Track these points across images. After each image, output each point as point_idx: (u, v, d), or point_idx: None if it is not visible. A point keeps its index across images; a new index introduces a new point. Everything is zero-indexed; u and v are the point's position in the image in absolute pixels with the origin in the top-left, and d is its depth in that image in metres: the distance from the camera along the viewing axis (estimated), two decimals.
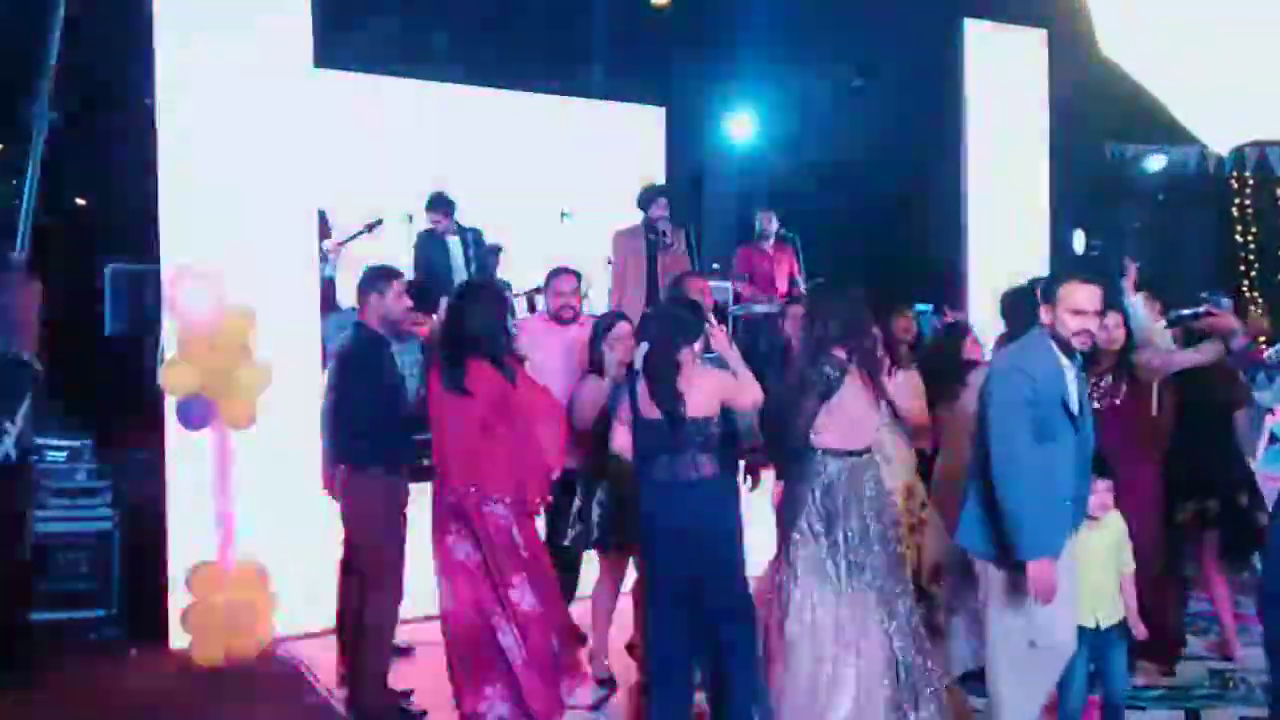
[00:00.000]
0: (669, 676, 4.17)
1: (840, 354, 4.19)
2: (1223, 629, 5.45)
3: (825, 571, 4.17)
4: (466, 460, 4.36)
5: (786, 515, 4.33)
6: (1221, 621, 5.45)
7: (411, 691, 4.88)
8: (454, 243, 7.64)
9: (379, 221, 7.67)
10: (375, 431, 4.63)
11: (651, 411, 4.12)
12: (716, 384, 4.19)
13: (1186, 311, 5.28)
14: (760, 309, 8.00)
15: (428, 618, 5.68)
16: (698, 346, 4.22)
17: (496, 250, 8.29)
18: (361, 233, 7.57)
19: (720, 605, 4.13)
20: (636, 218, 7.64)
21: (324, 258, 7.06)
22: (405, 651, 5.43)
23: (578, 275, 5.48)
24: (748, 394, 4.22)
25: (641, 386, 4.16)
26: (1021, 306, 5.47)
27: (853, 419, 4.22)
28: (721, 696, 4.18)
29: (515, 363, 4.51)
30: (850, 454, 4.22)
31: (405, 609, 5.17)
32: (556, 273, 5.40)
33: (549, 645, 4.34)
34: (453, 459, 4.40)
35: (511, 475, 4.36)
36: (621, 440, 4.23)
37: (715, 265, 8.99)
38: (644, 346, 4.34)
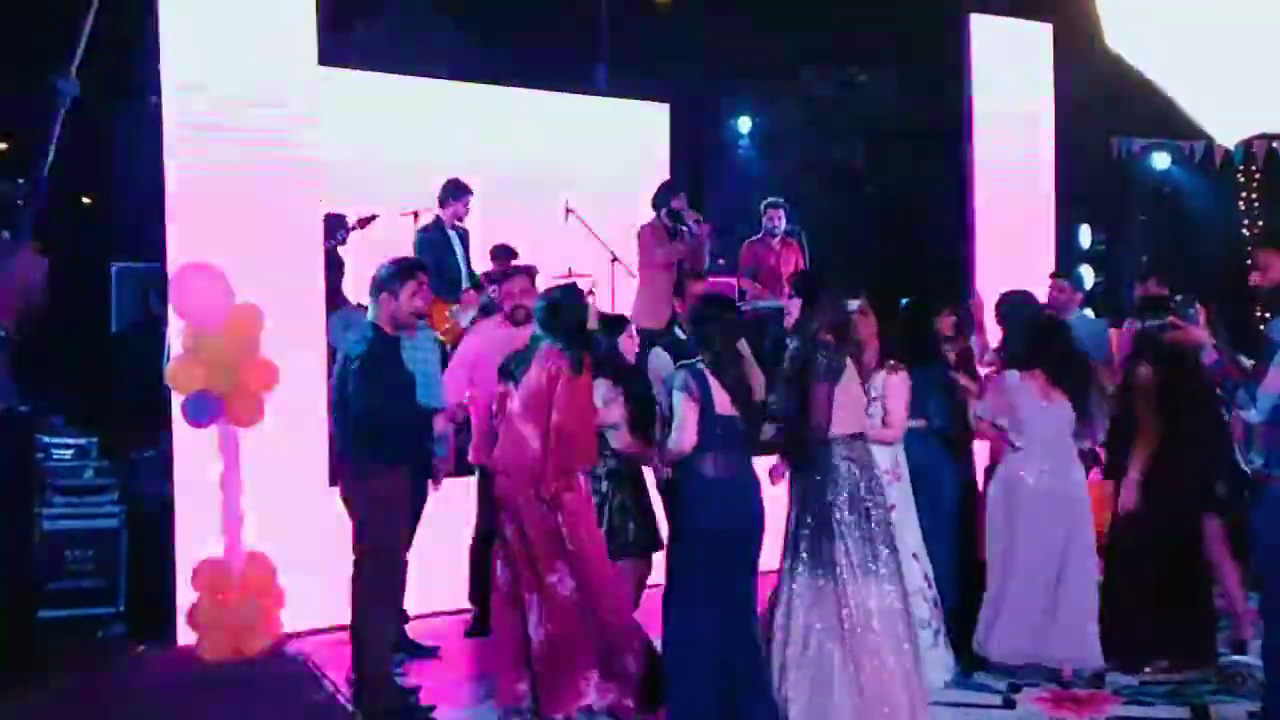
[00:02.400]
0: (698, 675, 4.12)
1: (829, 336, 4.40)
2: (1235, 615, 5.41)
3: (835, 561, 4.26)
4: (503, 447, 4.46)
5: (801, 506, 4.40)
6: (1234, 609, 5.41)
7: (419, 688, 4.89)
8: (455, 237, 7.59)
9: (373, 216, 7.61)
10: (382, 431, 4.62)
11: (727, 408, 4.12)
12: (760, 383, 4.28)
13: (1153, 322, 5.19)
14: (766, 305, 7.99)
15: (444, 613, 5.75)
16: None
17: (510, 253, 8.29)
18: (353, 228, 7.51)
19: (751, 598, 4.20)
20: (640, 215, 7.67)
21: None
22: (431, 650, 5.47)
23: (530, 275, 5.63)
24: None
25: (714, 383, 4.14)
26: (1022, 312, 5.46)
27: (853, 402, 4.41)
28: (735, 696, 4.14)
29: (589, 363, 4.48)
30: (853, 437, 4.39)
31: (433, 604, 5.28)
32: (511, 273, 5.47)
33: (579, 635, 4.31)
34: (497, 445, 4.52)
35: (538, 469, 4.35)
36: (690, 439, 4.13)
37: (721, 261, 8.99)
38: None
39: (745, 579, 4.18)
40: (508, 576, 4.46)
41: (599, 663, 4.35)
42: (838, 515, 4.29)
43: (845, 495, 4.31)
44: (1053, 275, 7.16)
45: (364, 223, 7.50)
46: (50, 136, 2.25)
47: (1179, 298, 5.05)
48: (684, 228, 7.32)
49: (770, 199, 8.63)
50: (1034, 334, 5.17)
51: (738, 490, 4.14)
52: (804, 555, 4.33)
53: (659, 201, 7.44)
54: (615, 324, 5.07)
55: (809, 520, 4.34)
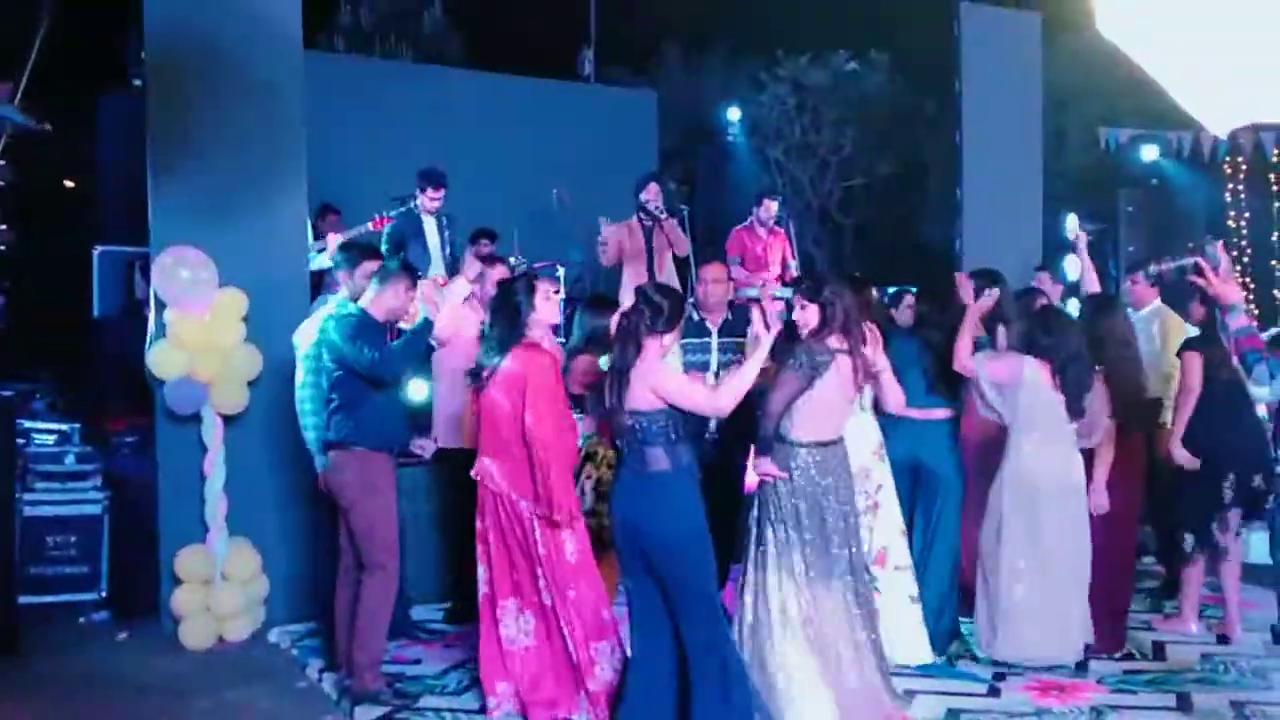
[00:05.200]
0: (647, 675, 4.07)
1: (833, 341, 4.29)
2: (1227, 608, 5.46)
3: (792, 563, 4.26)
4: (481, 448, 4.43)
5: (757, 504, 4.41)
6: (1226, 601, 5.46)
7: (401, 676, 4.88)
8: (430, 223, 7.51)
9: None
10: (378, 413, 4.62)
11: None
12: (658, 381, 3.98)
13: (1169, 264, 4.94)
14: (752, 293, 7.99)
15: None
16: (667, 340, 4.04)
17: (490, 235, 8.23)
18: (366, 227, 7.39)
19: (681, 605, 3.98)
20: (628, 202, 7.68)
21: (323, 249, 6.93)
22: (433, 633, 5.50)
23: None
24: (688, 398, 3.97)
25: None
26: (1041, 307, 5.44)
27: (829, 409, 4.33)
28: (688, 696, 4.02)
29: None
30: (822, 444, 4.32)
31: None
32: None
33: (569, 644, 4.26)
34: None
35: (510, 472, 4.31)
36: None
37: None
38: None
39: (665, 580, 3.97)
40: (488, 578, 4.40)
41: (583, 676, 4.26)
42: (778, 515, 4.29)
43: (791, 498, 4.27)
44: (1037, 268, 7.16)
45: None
46: None
47: (1190, 244, 4.66)
48: (656, 218, 7.40)
49: (764, 188, 8.63)
50: (1044, 324, 5.11)
51: (634, 485, 3.98)
52: (761, 549, 4.34)
53: (635, 189, 7.54)
54: (607, 306, 5.06)
55: (758, 513, 4.36)
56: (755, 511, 4.43)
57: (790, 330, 4.43)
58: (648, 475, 3.95)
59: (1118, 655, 5.19)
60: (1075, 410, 4.90)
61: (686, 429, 4.01)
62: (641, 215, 7.52)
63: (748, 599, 4.37)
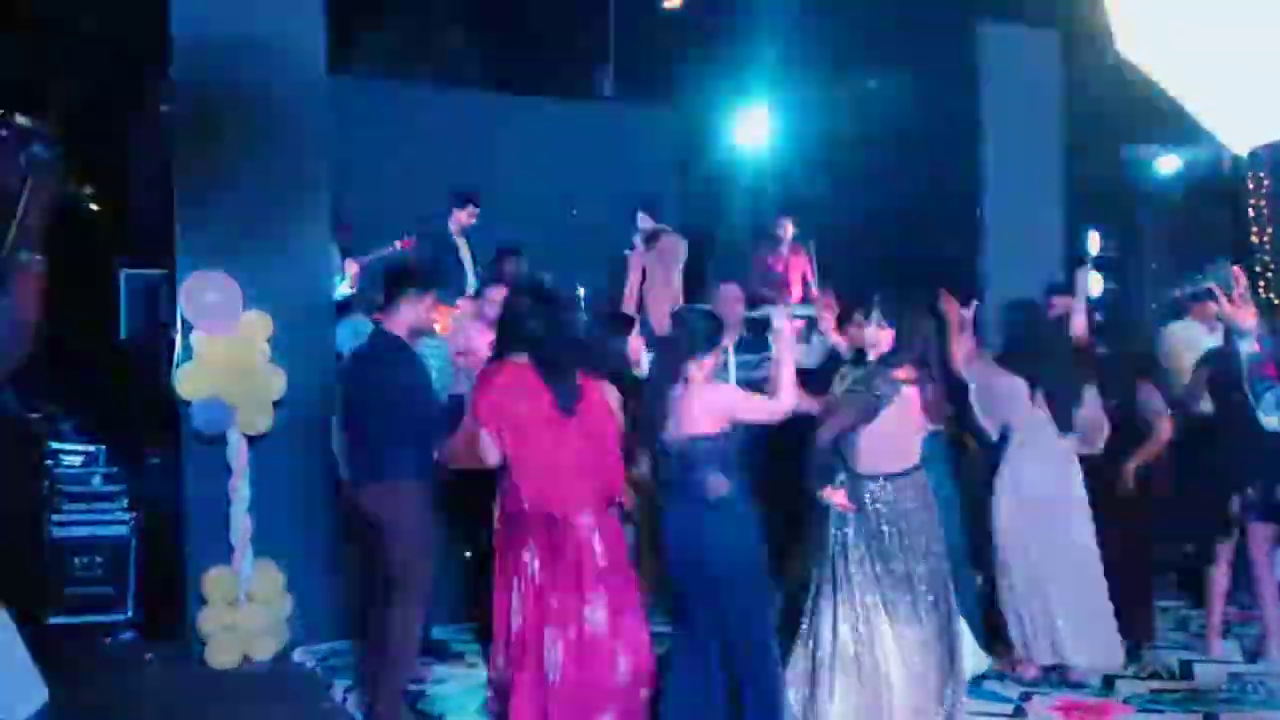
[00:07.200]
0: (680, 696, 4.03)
1: (902, 374, 4.04)
2: (1265, 624, 5.41)
3: (854, 599, 4.04)
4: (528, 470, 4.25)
5: (818, 534, 4.21)
6: (1264, 617, 5.42)
7: (423, 694, 4.89)
8: (462, 242, 7.58)
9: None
10: (413, 441, 4.56)
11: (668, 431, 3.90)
12: (722, 398, 3.93)
13: (1183, 291, 4.94)
14: (766, 312, 7.99)
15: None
16: (706, 363, 3.93)
17: (516, 251, 8.27)
18: (385, 252, 7.43)
19: (738, 639, 3.90)
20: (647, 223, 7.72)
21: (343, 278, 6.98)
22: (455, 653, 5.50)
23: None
24: (752, 409, 3.94)
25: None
26: (1026, 320, 5.44)
27: (890, 441, 4.07)
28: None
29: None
30: (889, 476, 4.05)
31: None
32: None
33: (606, 669, 4.13)
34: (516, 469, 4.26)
35: (576, 484, 4.17)
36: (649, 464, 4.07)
37: None
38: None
39: (722, 614, 3.89)
40: (523, 611, 4.21)
41: (620, 701, 4.16)
42: (841, 547, 4.08)
43: (855, 531, 4.05)
44: (1051, 290, 7.06)
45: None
46: (20, 201, 2.11)
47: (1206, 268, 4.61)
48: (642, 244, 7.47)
49: (776, 205, 8.64)
50: (1017, 335, 5.16)
51: (689, 517, 3.89)
52: (826, 583, 4.13)
53: None
54: (621, 324, 4.91)
55: (819, 544, 4.18)
56: (827, 545, 4.16)
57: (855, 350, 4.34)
58: (704, 503, 3.85)
59: (1147, 675, 5.17)
60: (1064, 424, 4.93)
61: (738, 455, 3.92)
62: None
63: (805, 629, 4.16)
